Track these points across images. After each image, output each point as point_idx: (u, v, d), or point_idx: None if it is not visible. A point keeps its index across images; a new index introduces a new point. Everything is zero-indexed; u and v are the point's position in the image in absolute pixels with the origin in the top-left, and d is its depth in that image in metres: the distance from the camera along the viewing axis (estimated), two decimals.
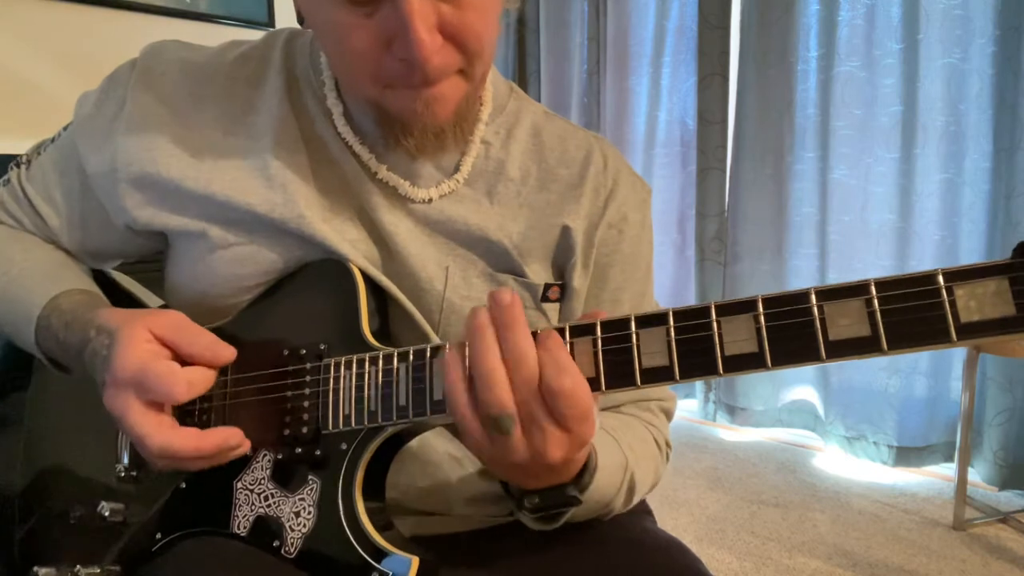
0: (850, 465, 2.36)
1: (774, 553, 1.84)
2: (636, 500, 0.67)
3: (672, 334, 0.46)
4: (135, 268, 0.79)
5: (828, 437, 2.45)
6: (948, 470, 2.23)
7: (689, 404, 2.88)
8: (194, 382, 0.55)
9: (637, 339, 0.47)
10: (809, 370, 2.50)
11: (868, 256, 2.33)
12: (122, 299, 0.68)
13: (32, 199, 0.69)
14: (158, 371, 0.53)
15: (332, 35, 0.54)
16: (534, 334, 0.48)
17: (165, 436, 0.53)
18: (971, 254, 2.15)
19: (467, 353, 0.48)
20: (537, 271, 0.67)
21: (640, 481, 0.66)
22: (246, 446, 0.57)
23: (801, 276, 2.49)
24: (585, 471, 0.56)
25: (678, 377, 0.45)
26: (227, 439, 0.55)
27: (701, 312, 0.45)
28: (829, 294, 0.42)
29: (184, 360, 0.56)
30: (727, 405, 2.70)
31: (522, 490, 0.55)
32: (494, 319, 0.47)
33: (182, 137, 0.63)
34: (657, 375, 0.46)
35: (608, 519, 0.66)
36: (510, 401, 0.46)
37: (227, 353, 0.58)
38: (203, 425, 0.61)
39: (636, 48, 2.87)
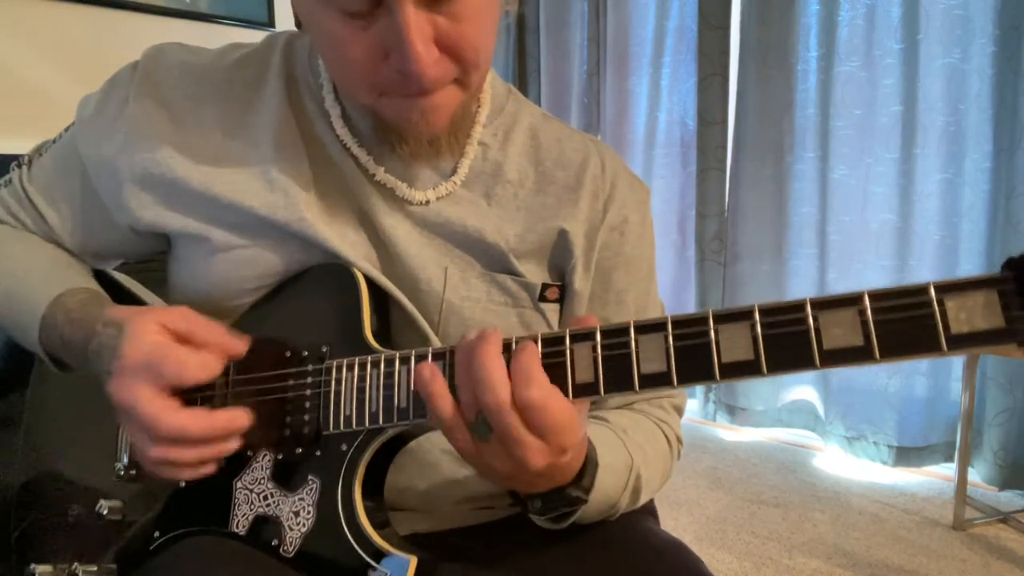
0: (850, 465, 2.36)
1: (774, 553, 1.84)
2: (643, 499, 0.67)
3: (671, 341, 0.47)
4: (136, 268, 0.79)
5: (828, 437, 2.45)
6: (948, 470, 2.23)
7: (689, 404, 2.87)
8: (205, 365, 0.55)
9: (636, 345, 0.48)
10: None
11: (868, 256, 2.33)
12: (125, 299, 0.68)
13: (34, 200, 0.70)
14: (170, 353, 0.53)
15: (329, 45, 0.55)
16: (508, 347, 0.50)
17: (176, 417, 0.53)
18: (971, 254, 2.15)
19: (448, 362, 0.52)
20: (534, 271, 0.67)
21: (647, 480, 0.66)
22: (240, 441, 0.57)
23: (801, 276, 2.48)
24: (585, 472, 0.56)
25: (676, 383, 0.46)
26: (234, 419, 0.55)
27: (699, 320, 0.46)
28: (824, 304, 0.43)
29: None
30: (727, 405, 2.70)
31: (526, 494, 0.56)
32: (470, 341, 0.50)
33: (184, 139, 0.64)
34: (655, 380, 0.47)
35: (613, 519, 0.66)
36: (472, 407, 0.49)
37: (238, 344, 0.58)
38: None
39: (636, 48, 2.86)
